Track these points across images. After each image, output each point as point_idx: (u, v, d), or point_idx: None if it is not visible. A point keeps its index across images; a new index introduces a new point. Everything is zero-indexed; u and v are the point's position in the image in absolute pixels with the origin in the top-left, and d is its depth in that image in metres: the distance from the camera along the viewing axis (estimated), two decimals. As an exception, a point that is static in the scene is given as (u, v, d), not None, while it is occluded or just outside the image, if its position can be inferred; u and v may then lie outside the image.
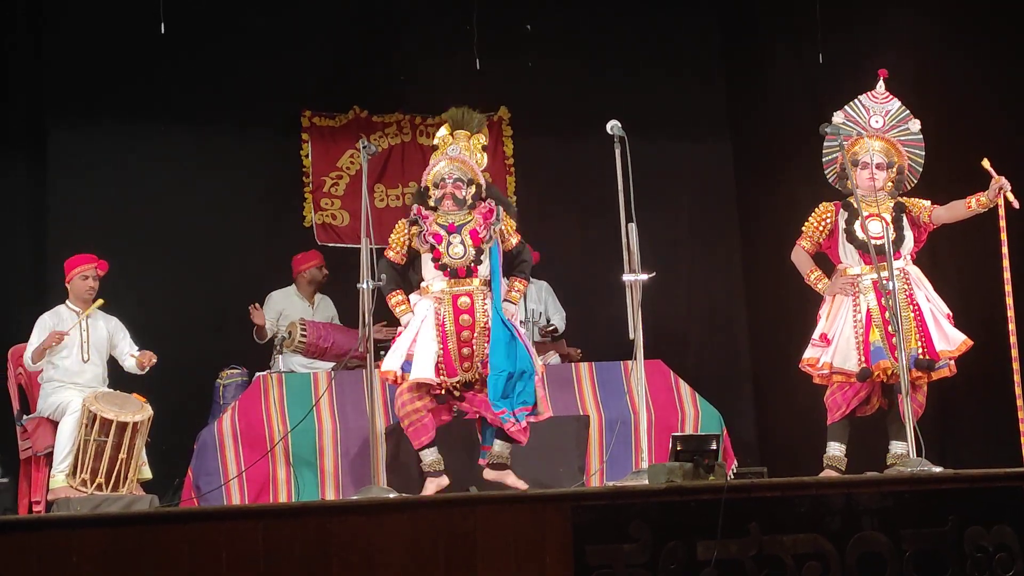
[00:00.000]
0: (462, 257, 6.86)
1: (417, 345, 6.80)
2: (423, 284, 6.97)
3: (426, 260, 6.93)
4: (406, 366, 6.82)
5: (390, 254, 7.00)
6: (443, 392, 6.86)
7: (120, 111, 9.10)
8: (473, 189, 6.99)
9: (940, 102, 8.28)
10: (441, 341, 6.79)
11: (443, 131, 7.16)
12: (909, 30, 8.97)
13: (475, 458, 7.16)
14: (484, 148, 7.19)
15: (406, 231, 6.96)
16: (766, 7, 9.91)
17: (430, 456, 6.88)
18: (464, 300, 6.84)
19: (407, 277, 7.04)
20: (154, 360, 7.65)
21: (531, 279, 7.58)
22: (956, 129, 8.31)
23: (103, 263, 7.73)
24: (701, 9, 10.20)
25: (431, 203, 6.98)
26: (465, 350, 6.80)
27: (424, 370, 6.75)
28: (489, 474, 6.92)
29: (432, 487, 6.83)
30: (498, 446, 6.92)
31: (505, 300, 6.94)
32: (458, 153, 7.03)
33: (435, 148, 7.17)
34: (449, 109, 7.20)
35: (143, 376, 7.74)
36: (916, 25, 8.98)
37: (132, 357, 7.70)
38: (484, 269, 6.91)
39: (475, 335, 6.81)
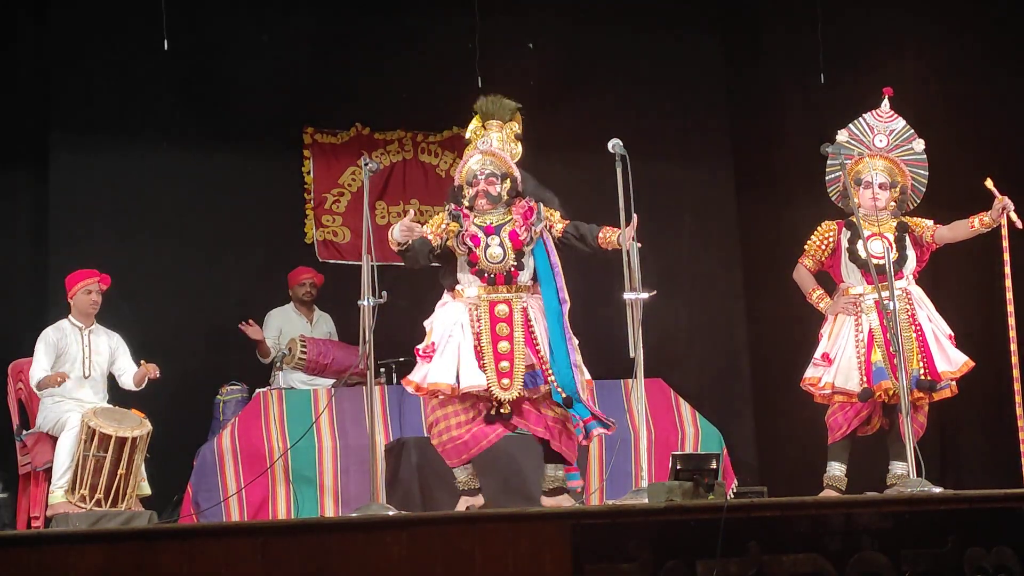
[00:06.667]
0: (501, 261, 6.38)
1: (461, 354, 6.26)
2: (457, 287, 6.49)
3: (461, 263, 6.44)
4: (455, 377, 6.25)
5: (427, 231, 6.45)
6: (493, 409, 6.31)
7: (122, 128, 9.09)
8: (508, 184, 6.51)
9: (943, 122, 8.30)
10: (475, 353, 6.29)
11: (474, 123, 6.68)
12: (912, 51, 8.99)
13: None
14: (518, 138, 6.68)
15: (445, 224, 6.44)
16: (768, 26, 9.94)
17: (463, 474, 6.44)
18: (502, 308, 6.37)
19: (434, 259, 6.51)
20: (156, 374, 7.53)
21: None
22: (959, 149, 8.32)
23: (106, 277, 7.72)
24: (704, 29, 10.20)
25: (465, 203, 6.51)
26: (503, 364, 6.29)
27: (473, 377, 6.21)
28: (546, 501, 6.42)
29: (463, 506, 6.37)
30: (551, 469, 6.48)
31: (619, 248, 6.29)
32: (489, 146, 6.55)
33: (468, 143, 6.75)
34: (479, 100, 6.70)
35: (142, 391, 7.72)
36: (919, 46, 9.00)
37: (133, 365, 7.68)
38: (525, 276, 6.45)
39: (514, 347, 6.31)
